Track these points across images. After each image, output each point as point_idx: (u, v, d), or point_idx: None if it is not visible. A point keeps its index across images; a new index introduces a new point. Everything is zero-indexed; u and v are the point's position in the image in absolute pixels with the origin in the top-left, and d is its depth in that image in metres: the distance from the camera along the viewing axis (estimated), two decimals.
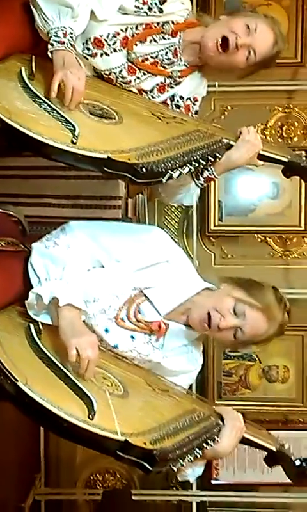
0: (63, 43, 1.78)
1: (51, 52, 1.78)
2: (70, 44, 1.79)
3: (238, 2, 3.54)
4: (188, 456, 1.63)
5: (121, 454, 1.53)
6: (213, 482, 3.56)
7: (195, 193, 2.09)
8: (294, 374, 3.62)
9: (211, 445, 1.72)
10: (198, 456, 1.67)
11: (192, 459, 1.66)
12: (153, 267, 1.87)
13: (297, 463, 1.89)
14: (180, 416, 1.71)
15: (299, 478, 1.94)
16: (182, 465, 1.64)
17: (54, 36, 1.79)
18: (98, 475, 3.79)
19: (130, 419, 1.61)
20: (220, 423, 1.78)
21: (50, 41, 1.79)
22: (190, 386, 2.08)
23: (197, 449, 1.66)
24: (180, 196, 2.10)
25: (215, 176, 1.98)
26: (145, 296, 1.84)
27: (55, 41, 1.78)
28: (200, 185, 2.03)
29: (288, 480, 3.51)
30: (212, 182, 3.45)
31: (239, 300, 1.82)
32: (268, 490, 3.59)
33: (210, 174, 1.96)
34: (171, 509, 3.50)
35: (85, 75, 1.79)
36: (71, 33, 1.80)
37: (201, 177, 1.98)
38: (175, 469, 1.63)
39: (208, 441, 1.71)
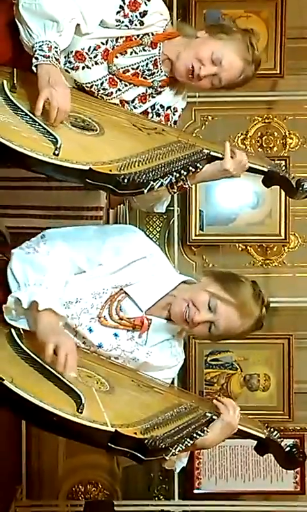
0: (48, 57, 1.78)
1: (36, 66, 1.78)
2: (55, 58, 1.79)
3: (218, 13, 3.57)
4: (180, 444, 1.64)
5: (112, 445, 1.54)
6: (195, 491, 3.56)
7: (166, 200, 2.13)
8: (275, 382, 3.63)
9: (201, 436, 1.74)
10: (189, 444, 1.69)
11: (184, 448, 1.67)
12: (132, 265, 1.89)
13: (286, 449, 1.93)
14: (167, 409, 1.74)
15: (289, 463, 1.99)
16: (174, 454, 1.65)
17: (39, 50, 1.79)
18: (80, 487, 3.77)
19: (119, 412, 1.63)
20: (209, 415, 1.81)
21: (35, 55, 1.79)
22: (173, 380, 2.10)
23: (187, 439, 1.68)
24: (152, 203, 2.13)
25: (189, 186, 2.00)
26: (125, 293, 1.87)
27: (40, 55, 1.78)
28: (172, 193, 2.05)
29: (269, 489, 3.59)
30: (193, 192, 3.50)
31: (213, 295, 1.85)
32: (250, 499, 3.61)
33: (184, 184, 1.97)
34: None
35: (70, 93, 1.79)
36: (56, 47, 1.80)
37: (175, 186, 1.98)
38: (167, 458, 1.64)
39: (198, 431, 1.73)
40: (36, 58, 1.78)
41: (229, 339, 1.98)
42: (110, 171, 1.67)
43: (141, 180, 1.70)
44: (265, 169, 2.01)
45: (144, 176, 1.71)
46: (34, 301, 1.69)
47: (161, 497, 3.68)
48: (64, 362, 1.60)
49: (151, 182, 1.72)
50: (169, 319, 1.90)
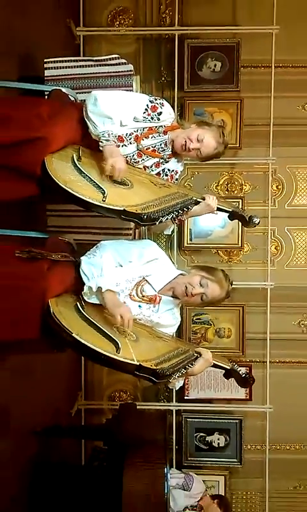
0: (108, 140, 1.79)
1: (102, 146, 1.79)
2: (113, 141, 1.80)
3: (202, 110, 3.57)
4: (178, 373, 1.66)
5: (137, 373, 1.57)
6: (185, 397, 3.55)
7: (171, 227, 2.13)
8: (234, 333, 3.62)
9: (191, 367, 1.74)
10: (183, 373, 1.70)
11: (180, 375, 1.69)
12: (149, 263, 1.88)
13: (242, 375, 1.92)
14: (170, 351, 1.74)
15: (244, 384, 1.97)
16: (174, 379, 1.67)
17: (102, 137, 1.80)
18: (116, 393, 3.76)
19: (141, 353, 1.64)
20: (196, 354, 1.80)
21: (100, 140, 1.79)
22: (174, 334, 2.07)
23: (183, 369, 1.69)
24: (162, 229, 2.13)
25: (184, 219, 1.99)
26: (146, 280, 1.86)
27: (104, 140, 1.79)
28: (175, 223, 2.03)
29: (230, 397, 3.56)
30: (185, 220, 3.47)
31: (203, 277, 1.86)
32: (218, 402, 3.59)
33: (181, 218, 1.95)
34: (160, 414, 3.44)
35: (125, 161, 1.78)
36: (112, 133, 1.81)
37: (176, 219, 1.96)
38: (171, 381, 1.66)
39: (189, 365, 1.74)
40: (102, 142, 1.78)
41: (211, 305, 1.96)
42: (136, 211, 1.69)
43: (155, 217, 1.72)
44: (230, 210, 1.99)
45: (157, 214, 1.72)
46: (99, 287, 1.70)
47: (164, 400, 3.66)
48: (127, 325, 1.64)
49: (161, 218, 1.74)
50: (173, 296, 1.89)
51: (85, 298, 1.74)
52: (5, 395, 2.42)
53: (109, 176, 1.74)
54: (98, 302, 1.73)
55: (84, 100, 1.86)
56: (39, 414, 2.86)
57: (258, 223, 1.96)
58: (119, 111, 1.84)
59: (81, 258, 1.82)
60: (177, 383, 1.87)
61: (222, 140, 1.97)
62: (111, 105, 1.82)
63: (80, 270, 1.77)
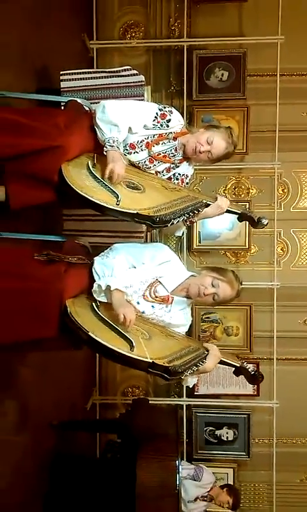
0: (112, 146, 1.78)
1: (106, 151, 1.79)
2: (117, 147, 1.79)
3: (210, 117, 3.55)
4: (190, 370, 1.64)
5: (150, 370, 1.55)
6: (195, 393, 3.53)
7: (182, 229, 2.10)
8: (242, 331, 3.60)
9: (202, 365, 1.72)
10: (195, 370, 1.68)
11: (191, 372, 1.67)
12: (162, 265, 1.86)
13: (252, 372, 1.88)
14: (181, 349, 1.72)
15: (253, 381, 1.94)
16: (186, 376, 1.65)
17: (107, 142, 1.79)
18: (129, 388, 3.76)
19: (154, 351, 1.62)
20: (206, 352, 1.77)
21: (105, 145, 1.79)
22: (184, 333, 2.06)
23: (194, 366, 1.67)
24: (174, 231, 2.10)
25: (195, 221, 1.96)
26: (159, 281, 1.84)
27: (108, 145, 1.79)
28: (186, 225, 2.02)
29: (238, 392, 3.55)
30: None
31: (215, 278, 1.83)
32: (227, 398, 3.58)
33: (192, 220, 1.93)
34: (171, 409, 3.43)
35: (124, 166, 1.79)
36: (117, 140, 1.81)
37: (187, 221, 1.95)
38: (183, 378, 1.64)
39: (200, 362, 1.71)
40: (106, 147, 1.78)
41: (222, 305, 1.92)
42: (149, 214, 1.67)
43: (166, 219, 1.70)
44: (239, 212, 1.97)
45: (168, 216, 1.70)
46: (108, 286, 1.69)
47: (175, 396, 3.65)
48: (128, 324, 1.62)
49: (172, 220, 1.72)
50: (184, 297, 1.87)
51: (94, 296, 1.73)
52: (25, 390, 2.42)
53: (110, 179, 1.73)
54: (106, 300, 1.72)
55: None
56: (57, 409, 2.87)
57: (267, 223, 1.93)
58: (126, 119, 1.84)
59: (94, 258, 1.81)
60: (190, 380, 1.84)
61: (231, 140, 1.95)
62: (118, 114, 1.82)
63: (93, 269, 1.76)
